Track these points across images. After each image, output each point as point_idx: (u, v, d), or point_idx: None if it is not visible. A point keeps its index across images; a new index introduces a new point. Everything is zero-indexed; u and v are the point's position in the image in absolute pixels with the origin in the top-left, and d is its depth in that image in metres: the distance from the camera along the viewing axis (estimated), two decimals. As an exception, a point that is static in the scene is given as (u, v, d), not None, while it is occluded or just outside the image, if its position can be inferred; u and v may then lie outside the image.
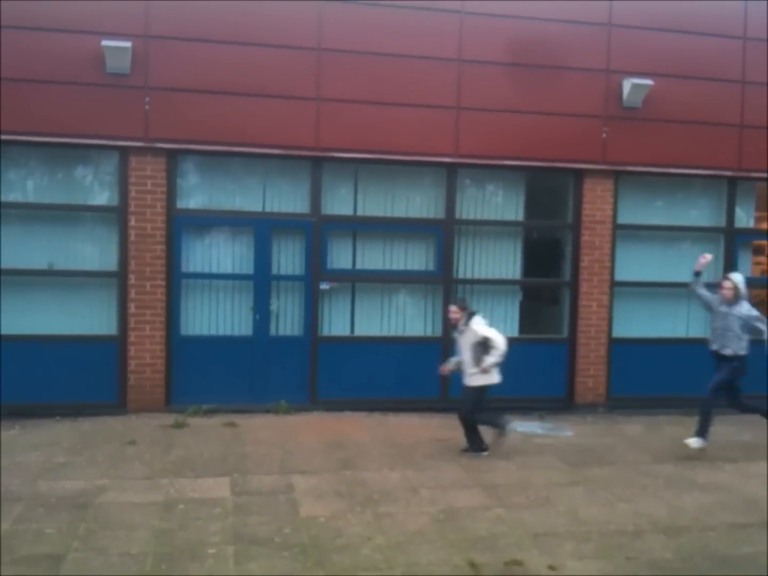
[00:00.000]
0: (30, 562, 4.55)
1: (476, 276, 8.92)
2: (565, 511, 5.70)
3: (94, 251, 8.12)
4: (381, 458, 6.91)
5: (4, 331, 7.86)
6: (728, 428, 8.47)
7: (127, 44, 7.54)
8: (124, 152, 7.93)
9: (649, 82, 8.63)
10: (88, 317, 8.10)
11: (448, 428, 8.02)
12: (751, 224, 9.55)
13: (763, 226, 9.81)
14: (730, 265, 9.31)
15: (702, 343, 9.31)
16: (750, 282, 9.49)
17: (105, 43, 7.47)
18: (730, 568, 4.78)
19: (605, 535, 5.25)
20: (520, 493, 6.08)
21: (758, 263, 10.02)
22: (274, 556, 4.72)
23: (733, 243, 9.35)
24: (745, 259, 9.61)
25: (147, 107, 7.83)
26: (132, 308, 8.02)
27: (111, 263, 8.10)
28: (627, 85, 8.67)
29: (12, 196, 7.94)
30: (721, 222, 9.38)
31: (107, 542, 4.86)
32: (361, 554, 4.79)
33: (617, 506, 5.83)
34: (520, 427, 8.25)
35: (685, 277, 9.39)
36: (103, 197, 8.13)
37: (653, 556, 4.94)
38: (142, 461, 6.60)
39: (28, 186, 8.01)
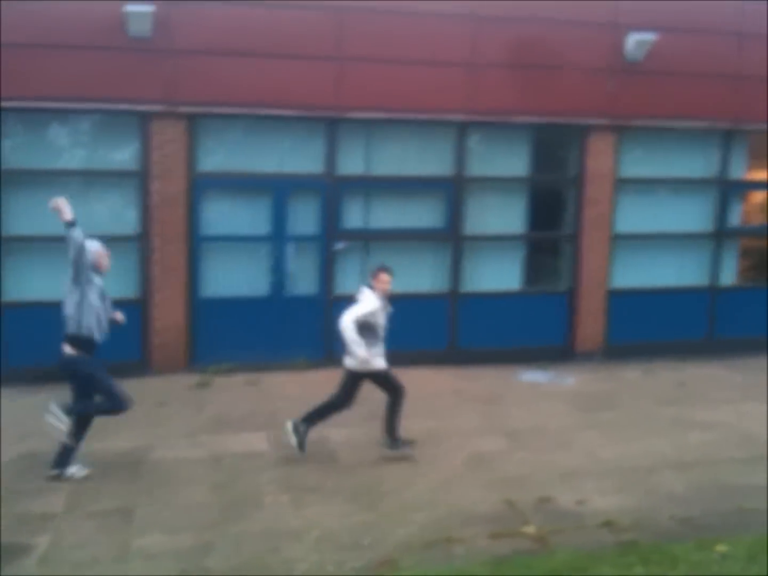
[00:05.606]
0: (103, 516, 4.92)
1: (484, 232, 9.20)
2: (583, 451, 6.19)
3: (118, 215, 8.28)
4: (404, 409, 7.30)
5: (32, 297, 8.06)
6: (723, 372, 9.02)
7: (150, 9, 7.57)
8: (146, 116, 8.05)
9: (651, 37, 8.79)
10: (113, 280, 8.27)
11: (461, 379, 8.48)
12: (743, 175, 9.91)
13: (756, 176, 10.19)
14: (723, 214, 9.74)
15: (692, 291, 9.83)
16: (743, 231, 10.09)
17: (128, 8, 7.50)
18: (739, 496, 5.30)
19: (623, 472, 5.76)
20: (539, 437, 6.55)
21: (747, 212, 10.41)
22: (328, 501, 5.15)
23: (727, 193, 9.72)
24: (737, 208, 9.98)
25: (168, 71, 7.93)
26: (156, 271, 8.25)
27: (134, 227, 8.28)
28: (631, 40, 8.84)
29: (36, 164, 8.05)
30: (716, 173, 9.68)
31: (170, 496, 5.25)
32: (406, 496, 5.25)
33: (630, 446, 6.33)
34: (526, 376, 8.72)
35: (681, 227, 9.84)
36: (126, 162, 8.25)
37: (669, 489, 5.46)
38: (178, 420, 6.96)
39: (52, 152, 8.12)
